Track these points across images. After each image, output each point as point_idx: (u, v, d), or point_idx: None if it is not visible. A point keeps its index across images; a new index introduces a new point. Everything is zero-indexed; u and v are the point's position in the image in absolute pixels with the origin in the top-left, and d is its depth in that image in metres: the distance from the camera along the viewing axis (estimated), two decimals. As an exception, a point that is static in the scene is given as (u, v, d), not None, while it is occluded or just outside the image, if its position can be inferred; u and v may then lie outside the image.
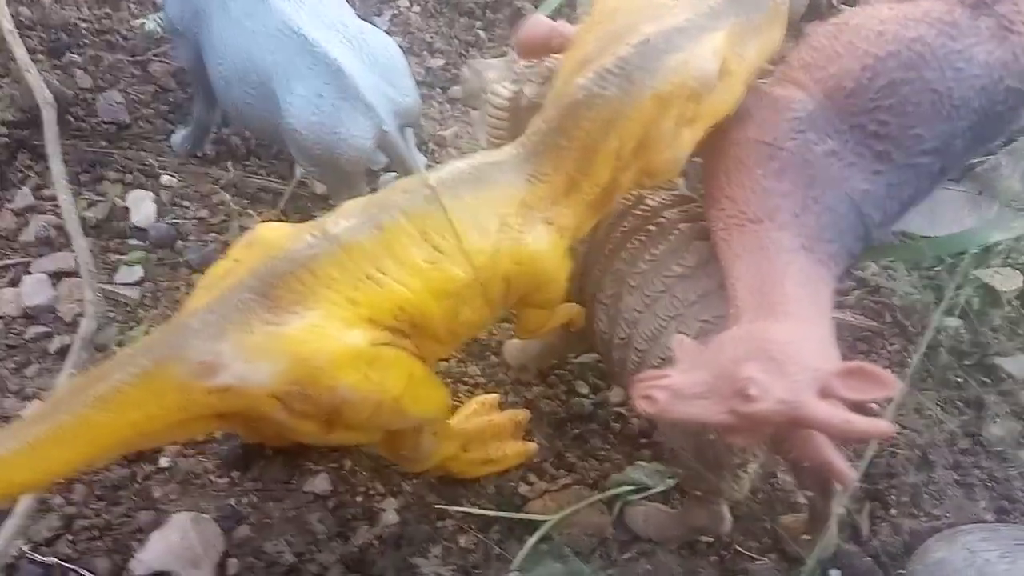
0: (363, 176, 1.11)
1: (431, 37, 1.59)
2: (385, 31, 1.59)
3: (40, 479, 0.79)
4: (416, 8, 1.63)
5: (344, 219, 0.79)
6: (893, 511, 1.14)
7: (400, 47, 1.58)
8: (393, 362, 0.82)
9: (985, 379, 1.23)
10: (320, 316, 0.77)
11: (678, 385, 0.76)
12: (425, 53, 1.57)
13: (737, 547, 1.10)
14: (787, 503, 1.13)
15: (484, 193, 0.82)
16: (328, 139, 1.06)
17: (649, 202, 0.99)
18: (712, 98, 0.82)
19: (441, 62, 1.55)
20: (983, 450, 1.19)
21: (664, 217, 0.96)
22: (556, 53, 0.94)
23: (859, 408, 0.75)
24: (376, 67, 1.07)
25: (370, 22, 1.59)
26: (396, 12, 1.62)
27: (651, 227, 0.96)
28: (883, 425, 0.73)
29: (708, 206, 0.89)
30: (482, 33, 1.60)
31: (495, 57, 1.59)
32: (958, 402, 1.23)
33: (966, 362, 1.25)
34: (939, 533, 1.07)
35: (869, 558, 1.10)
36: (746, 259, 0.84)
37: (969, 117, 0.87)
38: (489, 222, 0.81)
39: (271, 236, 0.82)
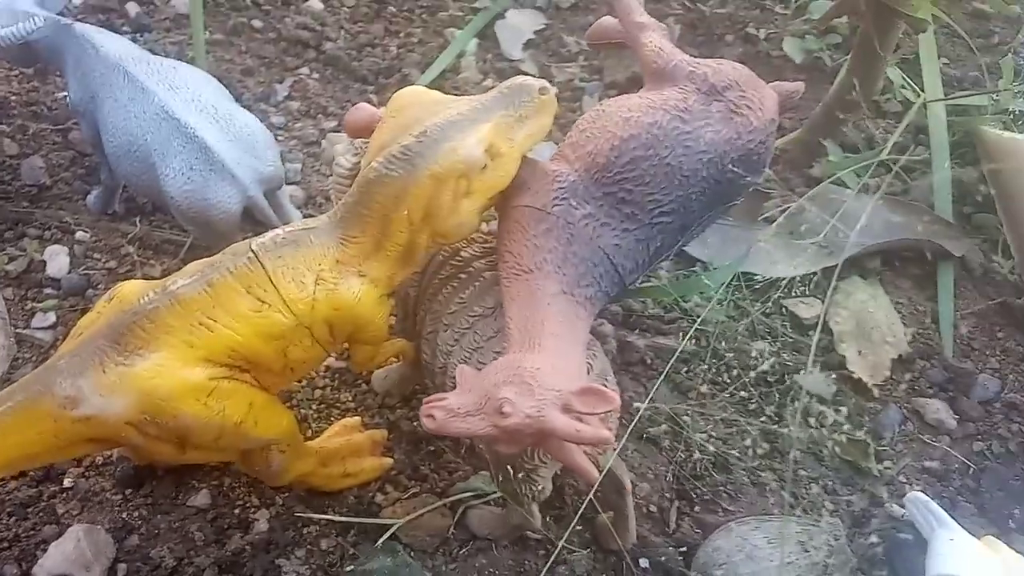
0: (237, 231, 1.31)
1: (326, 101, 1.79)
2: (285, 96, 1.81)
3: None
4: (315, 75, 1.83)
5: (181, 278, 0.98)
6: (697, 507, 1.33)
7: (297, 111, 1.79)
8: (231, 393, 1.01)
9: (785, 393, 1.43)
10: (162, 357, 0.96)
11: (452, 405, 0.95)
12: (320, 116, 1.77)
13: (561, 542, 1.28)
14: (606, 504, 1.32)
15: (301, 253, 1.01)
16: (200, 204, 1.25)
17: (463, 253, 1.19)
18: (485, 174, 1.02)
19: (334, 124, 1.75)
20: (778, 454, 1.38)
21: (472, 267, 1.16)
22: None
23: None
24: (241, 143, 1.27)
25: (272, 88, 1.81)
26: (296, 79, 1.82)
27: (462, 275, 1.16)
28: (603, 433, 0.92)
29: (498, 258, 1.09)
30: (374, 97, 1.81)
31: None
32: (762, 414, 1.42)
33: (769, 379, 1.44)
34: (724, 526, 1.27)
35: (672, 548, 1.29)
36: (519, 302, 1.04)
37: (700, 184, 1.07)
38: (306, 277, 1.01)
39: (127, 292, 1.01)
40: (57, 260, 1.50)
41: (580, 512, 1.12)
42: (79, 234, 1.55)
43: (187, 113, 1.24)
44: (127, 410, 0.95)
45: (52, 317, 1.45)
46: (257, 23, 1.92)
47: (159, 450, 1.01)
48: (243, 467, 1.17)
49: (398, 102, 1.04)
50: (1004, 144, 1.60)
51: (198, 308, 0.96)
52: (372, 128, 1.14)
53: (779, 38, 1.87)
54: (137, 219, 1.58)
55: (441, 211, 1.01)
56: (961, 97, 1.68)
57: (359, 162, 1.18)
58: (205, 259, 1.01)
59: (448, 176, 0.99)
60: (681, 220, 1.08)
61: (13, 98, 1.71)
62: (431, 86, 1.65)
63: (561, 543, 1.10)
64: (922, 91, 1.70)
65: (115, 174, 1.41)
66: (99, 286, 1.50)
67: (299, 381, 1.38)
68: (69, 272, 1.50)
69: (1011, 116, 1.67)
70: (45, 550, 1.23)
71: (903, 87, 1.72)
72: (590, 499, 1.13)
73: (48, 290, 1.49)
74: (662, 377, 1.15)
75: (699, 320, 1.29)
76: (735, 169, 1.08)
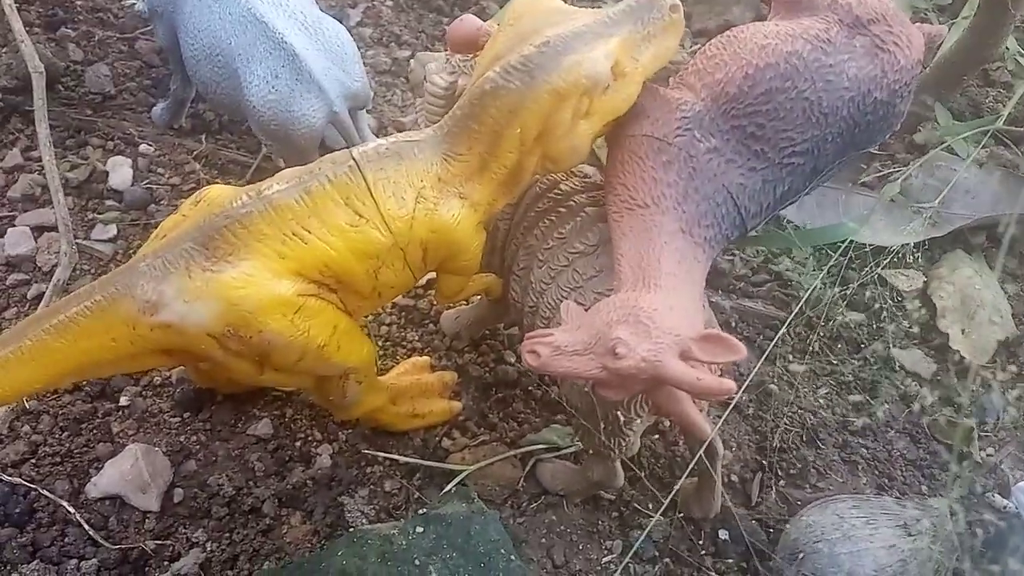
0: (316, 151, 1.23)
1: (400, 30, 1.70)
2: (358, 22, 1.72)
3: (6, 395, 0.90)
4: (389, 2, 1.75)
5: (277, 183, 0.91)
6: (782, 482, 1.26)
7: (371, 38, 1.71)
8: (318, 312, 0.94)
9: (881, 368, 1.35)
10: (252, 266, 0.89)
11: (559, 342, 0.88)
12: (393, 44, 1.69)
13: (636, 505, 1.21)
14: (685, 468, 1.25)
15: (403, 167, 0.93)
16: (283, 116, 1.18)
17: (562, 187, 1.10)
18: (607, 95, 0.93)
19: (407, 53, 1.66)
20: (871, 432, 1.30)
21: (573, 201, 1.08)
22: (482, 49, 1.06)
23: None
24: (329, 54, 1.19)
25: (344, 13, 1.72)
26: (370, 5, 1.74)
27: (561, 209, 1.08)
28: (727, 383, 0.84)
29: (606, 191, 1.01)
30: (447, 27, 1.71)
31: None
32: (854, 387, 1.34)
33: (864, 352, 1.36)
34: (816, 501, 1.19)
35: (755, 521, 1.22)
36: (632, 238, 0.95)
37: (838, 125, 0.98)
38: (407, 193, 0.93)
39: (215, 195, 0.94)
40: (120, 172, 1.44)
41: (686, 474, 1.03)
42: (143, 147, 1.49)
43: (275, 17, 1.16)
44: (211, 320, 0.88)
45: (113, 230, 1.39)
46: (332, -59, 1.83)
47: (237, 367, 0.94)
48: (315, 395, 1.10)
49: (516, 9, 0.96)
50: None
51: (293, 216, 0.89)
52: (476, 43, 1.06)
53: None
54: (203, 136, 1.51)
55: (556, 131, 0.93)
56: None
57: (455, 81, 1.10)
58: (301, 166, 0.93)
59: (570, 92, 0.91)
60: (813, 163, 0.99)
61: (79, 3, 1.63)
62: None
63: (658, 515, 1.02)
64: (1037, 60, 1.59)
65: (191, 82, 1.33)
66: (162, 202, 1.43)
67: (366, 316, 1.31)
68: (132, 185, 1.43)
69: None
70: (99, 468, 1.17)
71: (1020, 55, 1.61)
72: (671, 460, 1.05)
73: (110, 202, 1.43)
74: (763, 356, 1.06)
75: (805, 291, 1.20)
76: (875, 113, 0.99)
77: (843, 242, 1.31)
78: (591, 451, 1.12)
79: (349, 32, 1.69)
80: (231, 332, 0.90)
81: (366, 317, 1.33)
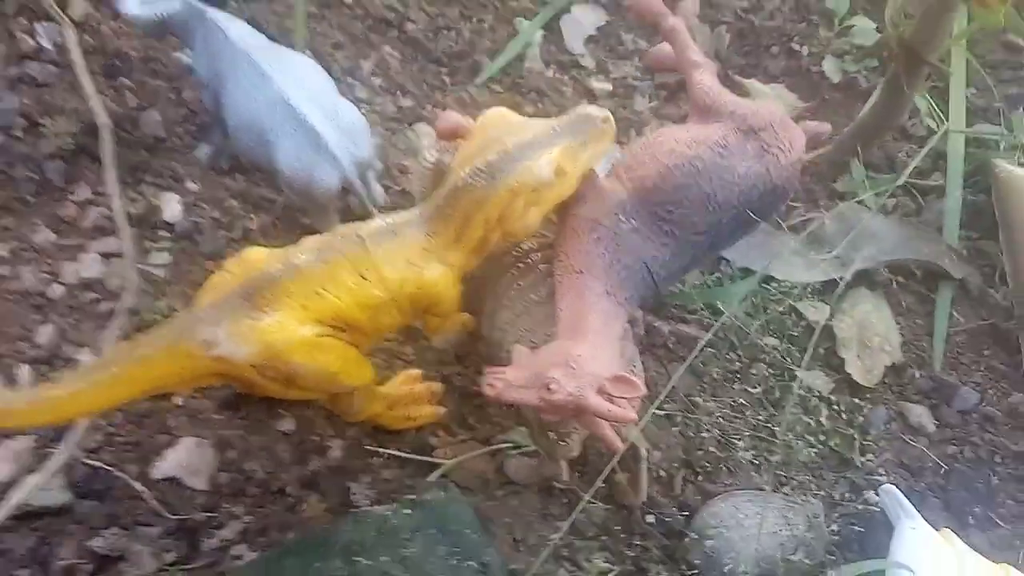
0: (334, 205, 1.53)
1: (404, 80, 1.98)
2: (370, 72, 2.01)
3: (98, 407, 1.22)
4: (396, 55, 2.03)
5: (303, 253, 1.21)
6: (700, 477, 1.56)
7: (379, 87, 1.99)
8: (332, 348, 1.25)
9: (788, 385, 1.65)
10: (282, 316, 1.19)
11: (510, 378, 1.18)
12: (398, 93, 1.97)
13: (581, 493, 1.52)
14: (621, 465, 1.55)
15: (397, 242, 1.23)
16: (306, 180, 1.47)
17: (523, 246, 1.40)
18: (551, 189, 1.23)
19: (411, 103, 1.95)
20: (775, 439, 1.60)
21: (530, 258, 1.38)
22: (462, 138, 1.35)
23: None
24: (343, 131, 1.48)
25: (358, 64, 2.01)
26: (380, 58, 2.02)
27: (520, 265, 1.38)
28: (629, 413, 1.14)
29: (554, 257, 1.30)
30: (446, 79, 2.00)
31: (454, 96, 1.99)
32: (766, 401, 1.64)
33: (775, 371, 1.66)
34: (721, 495, 1.50)
35: (675, 508, 1.53)
36: (568, 297, 1.25)
37: (731, 211, 1.27)
38: (399, 261, 1.23)
39: (254, 257, 1.25)
40: (171, 206, 1.73)
41: (604, 473, 1.34)
42: (189, 184, 1.78)
43: (301, 101, 1.45)
44: (252, 355, 1.19)
45: (167, 256, 1.68)
46: (347, -1, 2.10)
47: (270, 387, 1.26)
48: (329, 404, 1.42)
49: (487, 121, 1.25)
50: (1012, 178, 1.76)
51: (314, 280, 1.20)
52: (458, 132, 1.35)
53: (820, 56, 2.03)
54: (238, 175, 1.81)
55: (513, 215, 1.23)
56: (980, 132, 1.83)
57: (441, 158, 1.40)
58: (319, 237, 1.24)
59: (522, 189, 1.20)
60: (711, 240, 1.29)
61: (133, 54, 1.92)
62: (499, 73, 1.86)
63: (587, 497, 1.32)
64: (946, 119, 1.86)
65: (230, 141, 1.63)
66: (205, 232, 1.73)
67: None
68: (181, 218, 1.73)
69: (1024, 151, 1.83)
70: (159, 454, 1.50)
71: (929, 116, 1.88)
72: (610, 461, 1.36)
73: (162, 232, 1.72)
74: (685, 365, 1.35)
75: (720, 319, 1.49)
76: (762, 200, 1.28)
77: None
78: (543, 452, 1.43)
79: (361, 82, 2.00)
80: (267, 364, 1.21)
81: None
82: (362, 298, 1.22)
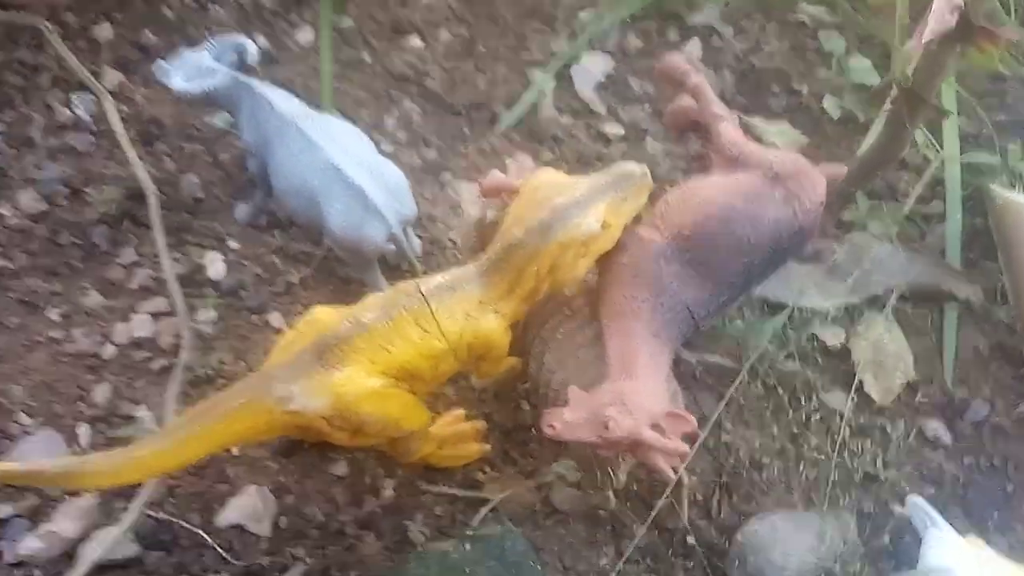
0: (377, 260, 1.62)
1: (426, 133, 2.08)
2: (393, 126, 2.10)
3: (181, 464, 1.30)
4: (417, 110, 2.12)
5: (369, 311, 1.30)
6: (735, 499, 1.65)
7: (404, 140, 2.09)
8: (395, 397, 1.33)
9: (810, 408, 1.74)
10: (352, 370, 1.28)
11: (568, 418, 1.27)
12: (421, 145, 2.06)
13: (624, 520, 1.61)
14: (662, 492, 1.64)
15: (456, 295, 1.32)
16: (354, 238, 1.56)
17: (567, 293, 1.50)
18: (597, 242, 1.33)
19: (434, 154, 2.04)
20: (803, 459, 1.70)
21: (574, 305, 1.47)
22: (506, 194, 1.45)
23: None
24: (388, 190, 1.57)
25: (381, 119, 2.10)
26: (402, 112, 2.11)
27: (566, 310, 1.47)
28: (682, 447, 1.24)
29: (600, 303, 1.40)
30: (466, 129, 2.10)
31: (476, 147, 2.08)
32: (792, 422, 1.74)
33: (799, 395, 1.76)
34: (757, 515, 1.59)
35: (715, 529, 1.62)
36: (617, 339, 1.35)
37: (762, 253, 1.37)
38: (457, 314, 1.32)
39: (324, 317, 1.33)
40: (215, 265, 1.81)
41: (659, 504, 1.42)
42: (230, 243, 1.86)
43: (347, 165, 1.55)
44: (324, 408, 1.27)
45: (213, 313, 1.76)
46: (367, 57, 2.20)
47: (338, 436, 1.34)
48: (386, 448, 1.49)
49: (535, 182, 1.35)
50: (1008, 202, 1.88)
51: (380, 336, 1.28)
52: (501, 190, 1.45)
53: (820, 94, 2.15)
54: (276, 232, 1.89)
55: (562, 267, 1.33)
56: (973, 158, 1.96)
57: (484, 214, 1.49)
58: (382, 295, 1.33)
59: (571, 244, 1.30)
60: (745, 279, 1.39)
61: (168, 120, 2.01)
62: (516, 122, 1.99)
63: (643, 527, 1.40)
64: (941, 148, 1.98)
65: (270, 194, 1.71)
66: (249, 288, 1.80)
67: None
68: (226, 275, 1.81)
69: (1019, 178, 1.96)
70: (221, 504, 1.56)
71: (926, 146, 2.00)
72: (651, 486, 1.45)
73: (208, 289, 1.80)
74: (725, 398, 1.45)
75: (754, 355, 1.58)
76: (789, 240, 1.38)
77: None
78: (592, 483, 1.52)
79: (385, 136, 2.09)
80: (337, 415, 1.29)
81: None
82: (425, 350, 1.31)
